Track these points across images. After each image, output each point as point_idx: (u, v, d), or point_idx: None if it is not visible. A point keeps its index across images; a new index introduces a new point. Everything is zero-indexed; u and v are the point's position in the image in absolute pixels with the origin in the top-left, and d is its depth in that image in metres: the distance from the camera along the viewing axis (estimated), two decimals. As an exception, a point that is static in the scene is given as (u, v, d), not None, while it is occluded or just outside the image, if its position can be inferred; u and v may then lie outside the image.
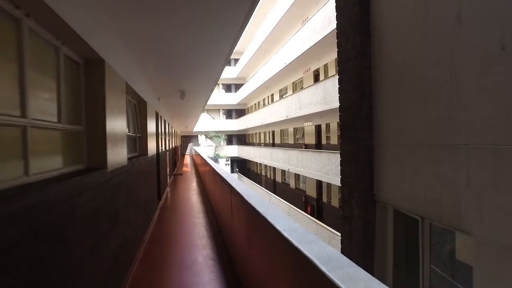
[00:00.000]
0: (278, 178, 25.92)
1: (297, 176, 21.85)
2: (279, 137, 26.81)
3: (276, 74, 22.47)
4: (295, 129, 22.99)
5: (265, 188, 25.71)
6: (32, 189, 1.75)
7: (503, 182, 2.35)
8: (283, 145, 24.63)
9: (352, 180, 4.17)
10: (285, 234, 1.87)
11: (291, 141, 23.80)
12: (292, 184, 22.82)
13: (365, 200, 3.86)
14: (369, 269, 3.73)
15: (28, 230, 1.58)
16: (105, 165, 3.04)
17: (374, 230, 3.78)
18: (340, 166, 4.42)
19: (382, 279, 3.75)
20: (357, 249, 3.97)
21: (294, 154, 18.65)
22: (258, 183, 28.99)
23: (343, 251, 4.28)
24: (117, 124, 3.52)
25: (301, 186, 21.62)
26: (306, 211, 18.22)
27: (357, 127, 4.02)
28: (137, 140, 5.93)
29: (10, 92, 1.85)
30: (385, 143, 3.70)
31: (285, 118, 20.24)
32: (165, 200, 9.65)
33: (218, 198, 6.29)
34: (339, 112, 4.41)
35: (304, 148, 19.13)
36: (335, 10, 4.51)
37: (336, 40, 4.42)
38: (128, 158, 4.24)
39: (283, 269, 2.01)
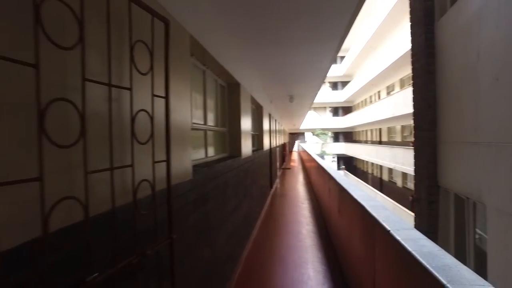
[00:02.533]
0: (385, 176, 25.33)
1: (404, 175, 21.21)
2: (386, 134, 26.13)
3: (383, 71, 22.09)
4: (403, 127, 22.26)
5: (371, 186, 25.47)
6: (209, 165, 3.22)
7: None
8: (390, 143, 23.99)
9: (421, 170, 5.24)
10: (364, 205, 2.95)
11: (398, 138, 23.07)
12: (399, 182, 22.20)
13: (430, 186, 4.94)
14: (434, 240, 4.54)
15: (215, 186, 3.04)
16: (240, 154, 4.51)
17: (437, 209, 4.63)
18: (414, 159, 5.58)
19: (446, 245, 4.70)
20: (425, 225, 4.82)
21: (400, 152, 18.33)
22: (364, 181, 28.74)
23: (415, 227, 5.10)
24: (246, 126, 5.01)
25: (409, 185, 20.92)
26: (413, 211, 17.74)
27: (424, 129, 5.11)
28: (255, 137, 7.49)
29: (200, 111, 3.38)
30: (446, 141, 4.76)
31: (391, 116, 19.92)
32: (275, 189, 11.20)
33: (321, 186, 7.43)
34: (413, 116, 5.60)
35: (412, 146, 18.59)
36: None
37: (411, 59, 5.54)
38: (252, 151, 5.75)
39: (359, 232, 3.07)
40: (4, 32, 0.89)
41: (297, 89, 8.39)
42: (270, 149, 10.12)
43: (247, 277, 4.00)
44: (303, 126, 33.94)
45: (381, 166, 25.47)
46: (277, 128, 14.52)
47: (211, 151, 3.73)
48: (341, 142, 39.48)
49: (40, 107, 0.94)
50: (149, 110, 1.51)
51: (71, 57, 1.13)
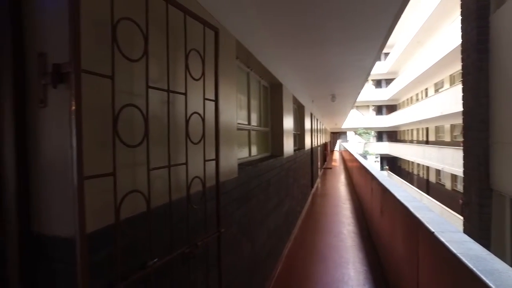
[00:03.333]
0: (432, 178, 24.05)
1: (453, 177, 20.01)
2: (433, 134, 24.80)
3: (431, 67, 20.96)
4: (452, 126, 20.99)
5: (417, 187, 24.36)
6: (253, 164, 3.34)
7: None
8: (438, 143, 22.74)
9: (471, 172, 4.93)
10: (408, 206, 2.92)
11: (447, 138, 21.79)
12: (448, 185, 20.99)
13: (481, 189, 4.63)
14: (487, 246, 4.24)
15: (258, 184, 3.16)
16: (282, 153, 4.60)
17: (490, 214, 4.32)
18: (463, 160, 5.27)
19: (500, 252, 4.42)
20: (475, 230, 4.55)
21: (449, 152, 17.35)
22: (409, 182, 27.52)
23: (464, 231, 4.81)
24: (288, 125, 5.08)
25: (459, 188, 19.70)
26: (463, 215, 16.74)
27: (475, 129, 4.79)
28: (297, 137, 7.52)
29: (244, 111, 3.51)
30: (501, 141, 4.43)
31: (439, 114, 18.89)
32: (316, 188, 11.14)
33: (363, 187, 7.31)
34: (462, 115, 5.28)
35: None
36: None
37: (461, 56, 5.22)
38: (294, 150, 5.81)
39: (401, 233, 3.03)
40: (89, 50, 1.05)
41: (339, 88, 8.30)
42: (312, 148, 10.09)
43: (287, 274, 4.09)
44: (345, 125, 33.23)
45: (428, 167, 24.26)
46: (318, 127, 14.40)
47: (254, 150, 3.86)
48: (385, 141, 38.12)
49: (114, 113, 1.10)
50: (201, 112, 1.65)
51: (137, 68, 1.28)
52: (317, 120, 13.04)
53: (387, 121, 36.54)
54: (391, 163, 36.11)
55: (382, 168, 35.59)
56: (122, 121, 1.16)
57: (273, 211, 3.95)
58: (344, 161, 21.51)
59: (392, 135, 38.31)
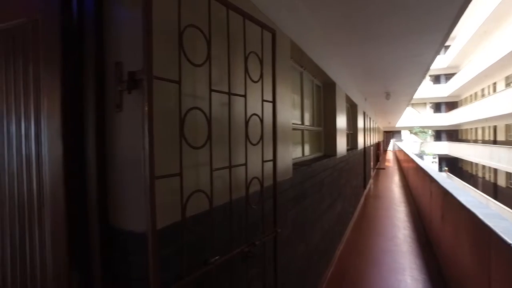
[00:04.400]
0: (501, 182, 21.96)
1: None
2: (503, 133, 22.63)
3: (502, 58, 19.07)
4: (527, 124, 18.98)
5: (482, 191, 22.44)
6: (307, 164, 3.31)
7: None
8: (509, 143, 20.72)
9: None
10: (476, 212, 2.71)
11: (520, 137, 19.77)
12: (521, 189, 19.04)
13: None
14: None
15: (311, 185, 3.13)
16: (335, 153, 4.51)
17: None
18: None
19: None
20: None
21: (522, 153, 15.76)
22: (472, 186, 25.39)
23: None
24: (341, 125, 4.96)
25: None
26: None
27: None
28: (349, 136, 7.32)
29: (297, 111, 3.50)
30: None
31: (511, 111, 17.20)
32: (369, 189, 10.76)
33: (420, 189, 6.91)
34: None
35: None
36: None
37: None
38: (347, 150, 5.66)
39: (468, 243, 2.81)
40: (159, 58, 1.11)
41: (394, 86, 7.92)
42: (364, 148, 9.76)
43: (339, 277, 4.00)
44: (399, 124, 31.61)
45: (495, 170, 22.22)
46: (371, 126, 13.88)
47: (307, 150, 3.83)
48: (444, 141, 35.59)
49: (181, 116, 1.16)
50: (259, 114, 1.68)
51: (199, 72, 1.34)
52: (369, 118, 12.57)
53: (447, 119, 34.11)
54: (451, 165, 33.63)
55: (440, 170, 33.34)
56: (186, 124, 1.22)
57: (326, 212, 3.88)
58: (398, 161, 20.50)
59: (452, 134, 35.66)
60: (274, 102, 1.80)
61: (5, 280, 1.43)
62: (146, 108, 0.98)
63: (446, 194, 3.78)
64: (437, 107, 37.34)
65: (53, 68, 1.16)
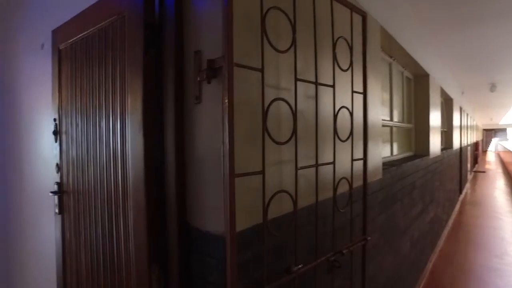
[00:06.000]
0: None
1: None
2: None
3: None
4: None
5: None
6: (396, 164, 2.97)
7: None
8: None
9: None
10: None
11: None
12: None
13: None
14: None
15: (402, 187, 2.80)
16: (427, 153, 4.02)
17: None
18: None
19: None
20: None
21: None
22: None
23: None
24: (435, 122, 4.42)
25: None
26: None
27: None
28: (443, 134, 6.55)
29: (386, 106, 3.17)
30: None
31: None
32: (465, 194, 9.54)
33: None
34: None
35: None
36: None
37: None
38: (441, 150, 5.04)
39: None
40: (239, 44, 1.01)
41: (501, 75, 6.83)
42: (460, 148, 8.67)
43: (433, 292, 3.55)
44: (504, 120, 27.59)
45: None
46: (468, 123, 12.32)
47: (396, 149, 3.46)
48: None
49: (264, 107, 1.04)
50: (349, 106, 1.49)
51: (282, 59, 1.21)
52: (467, 115, 11.15)
53: None
54: None
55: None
56: (268, 117, 1.10)
57: (417, 218, 3.47)
58: (503, 164, 17.90)
59: None
60: (365, 93, 1.59)
61: (98, 266, 1.49)
62: (226, 98, 0.89)
63: None
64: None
65: (136, 60, 1.15)
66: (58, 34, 1.74)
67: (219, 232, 1.02)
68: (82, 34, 1.50)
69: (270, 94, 1.14)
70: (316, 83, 1.28)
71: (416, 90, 4.10)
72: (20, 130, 2.58)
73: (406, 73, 3.85)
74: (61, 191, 1.79)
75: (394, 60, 3.31)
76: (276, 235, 1.12)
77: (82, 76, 1.53)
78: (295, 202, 1.16)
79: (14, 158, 2.69)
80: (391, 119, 3.28)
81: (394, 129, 3.44)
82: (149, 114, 1.11)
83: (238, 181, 0.95)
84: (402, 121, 3.72)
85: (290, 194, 1.15)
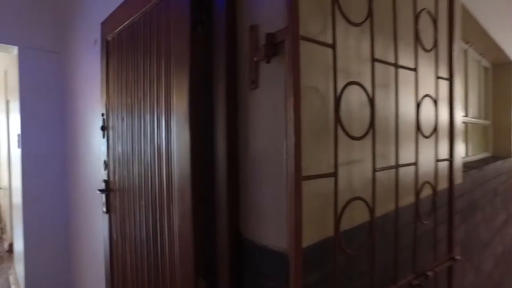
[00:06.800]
0: None
1: None
2: None
3: None
4: None
5: None
6: (475, 166, 2.56)
7: None
8: None
9: None
10: None
11: None
12: None
13: None
14: None
15: (482, 194, 2.40)
16: (510, 154, 3.49)
17: None
18: None
19: None
20: None
21: None
22: None
23: None
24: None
25: None
26: None
27: None
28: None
29: (462, 100, 2.77)
30: None
31: None
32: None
33: None
34: None
35: None
36: None
37: None
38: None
39: None
40: (305, 14, 0.81)
41: None
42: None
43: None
44: None
45: None
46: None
47: (471, 149, 3.02)
48: None
49: (336, 93, 0.83)
50: (433, 95, 1.22)
51: (354, 35, 0.98)
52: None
53: None
54: None
55: None
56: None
57: (500, 230, 3.00)
58: None
59: None
60: (451, 79, 1.31)
61: (143, 271, 1.38)
62: (291, 78, 0.69)
63: None
64: None
65: (182, 40, 0.99)
66: (106, 26, 1.67)
67: (280, 248, 0.82)
68: (127, 21, 1.39)
69: (340, 77, 0.92)
70: (396, 65, 1.04)
71: (496, 81, 3.59)
72: (77, 128, 2.61)
73: (484, 62, 3.37)
74: (108, 189, 1.72)
75: (470, 46, 2.89)
76: (349, 253, 0.90)
77: (127, 67, 1.42)
78: (372, 211, 0.93)
79: (72, 156, 2.74)
80: (466, 115, 2.87)
81: (470, 126, 3.01)
82: (197, 102, 0.94)
83: (304, 185, 0.75)
84: (479, 117, 3.25)
85: (366, 202, 0.92)
